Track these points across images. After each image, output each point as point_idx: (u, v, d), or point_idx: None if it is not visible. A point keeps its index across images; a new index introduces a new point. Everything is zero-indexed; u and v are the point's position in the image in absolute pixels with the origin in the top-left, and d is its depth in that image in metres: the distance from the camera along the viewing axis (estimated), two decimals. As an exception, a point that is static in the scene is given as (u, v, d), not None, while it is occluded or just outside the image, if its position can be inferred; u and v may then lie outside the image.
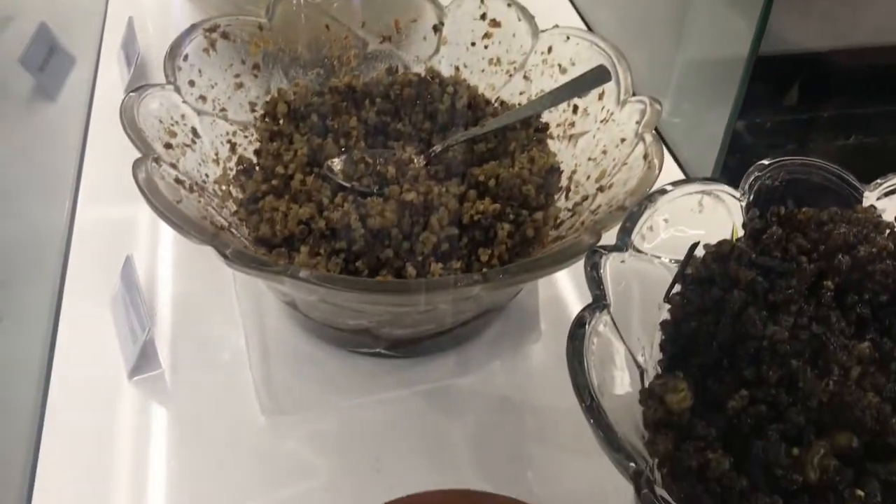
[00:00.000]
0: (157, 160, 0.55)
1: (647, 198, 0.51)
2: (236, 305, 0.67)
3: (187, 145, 0.61)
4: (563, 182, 0.64)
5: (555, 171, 0.63)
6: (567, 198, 0.63)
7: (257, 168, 0.66)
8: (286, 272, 0.46)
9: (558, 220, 0.61)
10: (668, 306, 0.51)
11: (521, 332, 0.66)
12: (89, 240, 0.75)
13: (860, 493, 0.39)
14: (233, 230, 0.58)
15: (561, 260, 0.48)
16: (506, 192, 0.60)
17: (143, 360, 0.62)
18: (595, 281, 0.47)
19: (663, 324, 0.51)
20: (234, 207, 0.62)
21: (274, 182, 0.63)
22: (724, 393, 0.45)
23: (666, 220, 0.52)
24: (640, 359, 0.49)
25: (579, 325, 0.44)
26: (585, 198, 0.60)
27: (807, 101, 0.95)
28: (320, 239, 0.57)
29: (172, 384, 0.62)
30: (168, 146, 0.59)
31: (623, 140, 0.60)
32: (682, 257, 0.52)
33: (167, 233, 0.74)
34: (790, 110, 0.95)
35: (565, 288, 0.69)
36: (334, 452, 0.58)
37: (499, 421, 0.60)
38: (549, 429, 0.60)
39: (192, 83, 0.65)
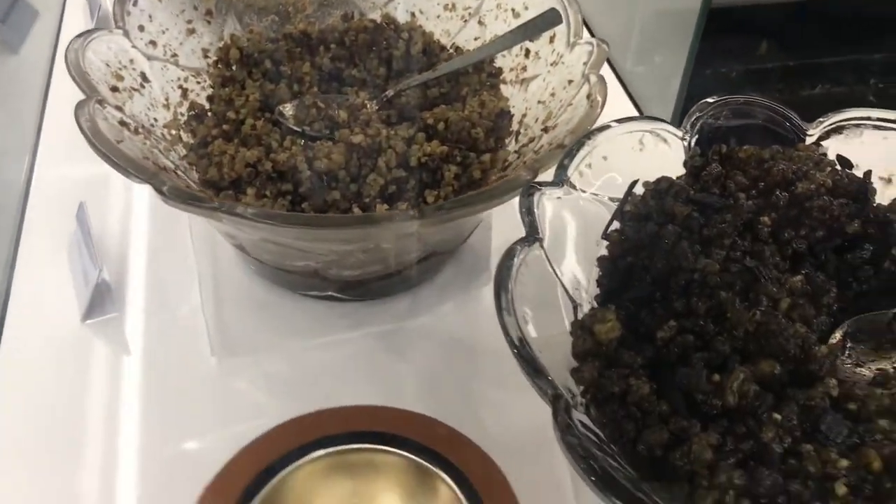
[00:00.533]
0: (100, 102, 0.55)
1: (585, 135, 0.52)
2: (192, 252, 0.68)
3: (135, 89, 0.61)
4: (514, 126, 0.64)
5: (505, 114, 0.63)
6: (517, 141, 0.63)
7: (209, 113, 0.66)
8: (221, 208, 0.47)
9: (506, 163, 0.61)
10: (606, 243, 0.52)
11: (473, 276, 0.66)
12: (49, 190, 0.75)
13: (777, 416, 0.40)
14: (179, 173, 0.58)
15: (496, 195, 0.48)
16: (454, 136, 0.60)
17: (98, 302, 0.63)
18: (528, 215, 0.47)
19: (600, 260, 0.51)
20: (184, 152, 0.62)
21: (225, 127, 0.63)
22: (655, 325, 0.46)
23: (605, 158, 0.53)
24: (576, 294, 0.49)
25: (508, 257, 0.45)
26: (532, 139, 0.60)
27: (773, 50, 0.95)
28: (267, 181, 0.58)
29: (127, 327, 0.63)
30: (114, 89, 0.59)
31: (570, 82, 0.60)
32: (621, 196, 0.52)
33: (126, 183, 0.74)
34: (757, 59, 0.95)
35: (519, 233, 0.69)
36: (284, 392, 0.59)
37: (449, 362, 0.61)
38: (497, 369, 0.60)
39: (141, 28, 0.65)
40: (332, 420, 0.43)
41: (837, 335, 0.49)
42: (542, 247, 0.47)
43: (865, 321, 0.50)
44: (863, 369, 0.48)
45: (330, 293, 0.62)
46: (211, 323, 0.62)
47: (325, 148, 0.58)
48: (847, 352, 0.49)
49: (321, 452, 0.41)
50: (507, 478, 0.43)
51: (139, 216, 0.72)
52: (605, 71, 0.90)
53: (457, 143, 0.60)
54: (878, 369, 0.48)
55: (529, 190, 0.48)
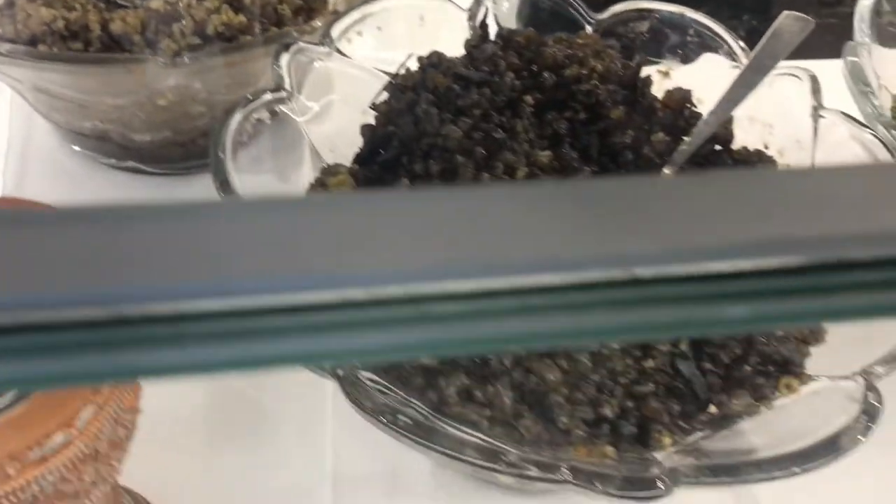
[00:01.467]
0: None
1: (360, 2, 0.52)
2: (7, 119, 0.67)
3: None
4: (330, 7, 0.64)
5: (319, -4, 0.63)
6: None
7: (28, -21, 0.65)
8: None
9: (312, 41, 0.61)
10: (375, 113, 0.52)
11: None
12: None
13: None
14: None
15: (250, 47, 0.49)
16: (260, 10, 0.60)
17: None
18: (276, 68, 0.47)
19: (364, 128, 0.51)
20: (-11, 11, 0.61)
21: (37, -9, 0.62)
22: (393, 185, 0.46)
23: (379, 29, 0.53)
24: (330, 158, 0.50)
25: (241, 103, 0.45)
26: (331, 16, 0.60)
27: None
28: (60, 41, 0.57)
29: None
30: None
31: (377, -39, 0.60)
32: (395, 68, 0.53)
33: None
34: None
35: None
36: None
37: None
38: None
39: None
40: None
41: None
42: (289, 103, 0.47)
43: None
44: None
45: (132, 163, 0.62)
46: (9, 186, 0.62)
47: (122, 12, 0.58)
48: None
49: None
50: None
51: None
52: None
53: (261, 17, 0.60)
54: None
55: (285, 46, 0.48)
